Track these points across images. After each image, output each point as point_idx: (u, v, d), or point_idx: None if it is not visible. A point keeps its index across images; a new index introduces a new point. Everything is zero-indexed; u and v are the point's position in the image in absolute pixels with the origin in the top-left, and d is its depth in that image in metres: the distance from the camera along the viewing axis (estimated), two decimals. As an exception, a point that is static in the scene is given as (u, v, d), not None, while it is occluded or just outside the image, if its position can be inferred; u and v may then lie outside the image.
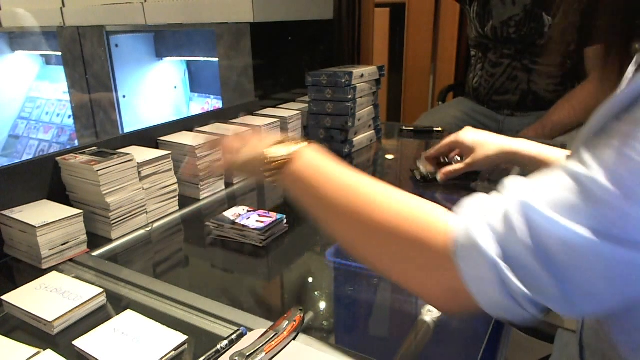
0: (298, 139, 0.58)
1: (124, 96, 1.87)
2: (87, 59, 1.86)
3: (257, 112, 1.28)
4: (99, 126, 1.94)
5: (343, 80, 1.20)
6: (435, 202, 0.45)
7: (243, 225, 0.80)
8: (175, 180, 0.92)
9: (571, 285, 0.35)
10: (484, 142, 0.90)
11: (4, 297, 0.62)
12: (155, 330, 0.55)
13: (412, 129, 1.49)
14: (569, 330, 0.64)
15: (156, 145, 1.00)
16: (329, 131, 1.26)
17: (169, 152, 0.91)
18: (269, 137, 0.61)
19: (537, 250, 0.35)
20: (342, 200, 0.48)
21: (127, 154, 0.83)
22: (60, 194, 0.83)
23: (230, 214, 0.84)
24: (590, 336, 0.54)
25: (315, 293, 0.70)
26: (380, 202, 0.46)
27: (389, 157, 1.30)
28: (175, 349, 0.52)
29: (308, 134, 1.31)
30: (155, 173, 0.88)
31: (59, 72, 2.26)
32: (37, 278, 0.66)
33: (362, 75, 1.26)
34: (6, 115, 2.56)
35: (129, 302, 0.64)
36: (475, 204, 0.41)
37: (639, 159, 0.32)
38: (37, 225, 0.70)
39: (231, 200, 1.01)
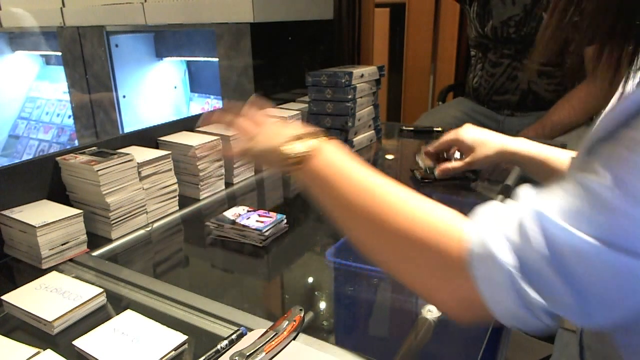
0: (317, 132, 0.56)
1: (124, 96, 1.87)
2: (87, 59, 1.86)
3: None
4: (99, 126, 1.94)
5: (343, 80, 1.20)
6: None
7: (243, 225, 0.80)
8: (175, 180, 0.92)
9: (586, 295, 0.34)
10: (484, 141, 0.90)
11: (4, 297, 0.62)
12: (155, 330, 0.55)
13: (412, 129, 1.49)
14: (569, 331, 0.64)
15: (156, 145, 1.00)
16: (329, 131, 1.26)
17: (169, 152, 0.91)
18: (287, 128, 0.59)
19: (552, 260, 0.35)
20: (359, 201, 0.47)
21: (127, 154, 0.83)
22: (60, 194, 0.83)
23: (230, 214, 0.84)
24: (591, 337, 0.54)
25: (315, 293, 0.70)
26: (397, 205, 0.45)
27: (389, 157, 1.30)
28: (175, 349, 0.52)
29: None
30: (155, 173, 0.88)
31: (59, 72, 2.26)
32: (37, 278, 0.66)
33: (362, 75, 1.26)
34: (6, 115, 2.56)
35: (129, 302, 0.64)
36: (489, 212, 0.41)
37: None
38: (37, 225, 0.70)
39: (231, 200, 1.01)
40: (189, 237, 0.89)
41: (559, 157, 0.77)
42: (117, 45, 1.81)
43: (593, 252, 0.33)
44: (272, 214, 0.84)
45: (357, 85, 1.24)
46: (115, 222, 0.82)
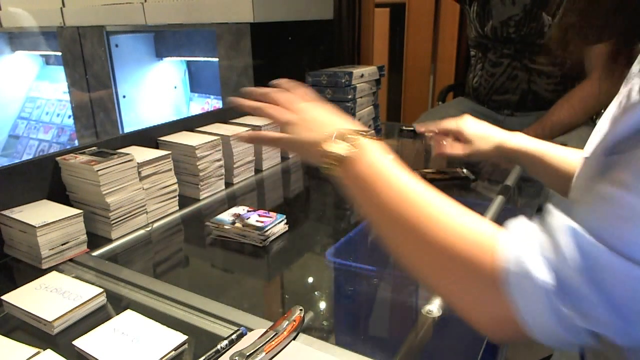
0: (362, 131, 0.54)
1: (124, 96, 1.87)
2: (87, 58, 1.87)
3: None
4: (99, 126, 1.94)
5: (343, 80, 1.20)
6: None
7: (243, 225, 0.80)
8: (175, 180, 0.92)
9: (624, 313, 0.34)
10: (484, 135, 0.89)
11: (4, 297, 0.62)
12: (155, 330, 0.55)
13: (412, 129, 1.49)
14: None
15: (156, 145, 1.00)
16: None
17: (169, 152, 0.91)
18: (329, 117, 0.58)
19: (589, 278, 0.34)
20: (399, 210, 0.46)
21: (127, 154, 0.83)
22: (60, 194, 0.83)
23: (230, 214, 0.84)
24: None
25: (315, 293, 0.70)
26: (435, 216, 0.44)
27: (389, 157, 1.30)
28: (175, 349, 0.52)
29: None
30: (155, 173, 0.88)
31: (59, 72, 2.26)
32: (37, 278, 0.66)
33: (362, 75, 1.26)
34: (6, 115, 2.56)
35: (129, 302, 0.64)
36: (522, 228, 0.40)
37: None
38: (37, 225, 0.70)
39: (231, 200, 1.01)
40: (189, 237, 0.89)
41: (558, 153, 0.76)
42: (117, 45, 1.81)
43: (626, 269, 0.33)
44: (272, 214, 0.84)
45: (357, 85, 1.24)
46: (115, 222, 0.82)
